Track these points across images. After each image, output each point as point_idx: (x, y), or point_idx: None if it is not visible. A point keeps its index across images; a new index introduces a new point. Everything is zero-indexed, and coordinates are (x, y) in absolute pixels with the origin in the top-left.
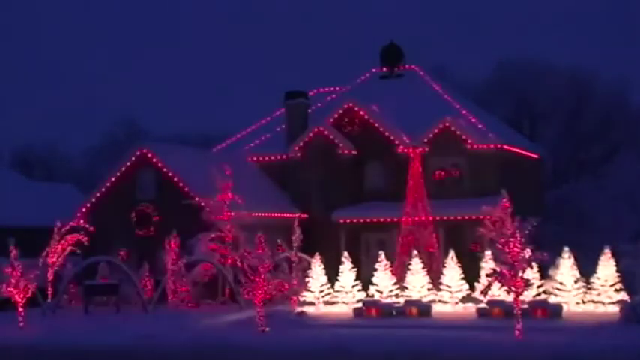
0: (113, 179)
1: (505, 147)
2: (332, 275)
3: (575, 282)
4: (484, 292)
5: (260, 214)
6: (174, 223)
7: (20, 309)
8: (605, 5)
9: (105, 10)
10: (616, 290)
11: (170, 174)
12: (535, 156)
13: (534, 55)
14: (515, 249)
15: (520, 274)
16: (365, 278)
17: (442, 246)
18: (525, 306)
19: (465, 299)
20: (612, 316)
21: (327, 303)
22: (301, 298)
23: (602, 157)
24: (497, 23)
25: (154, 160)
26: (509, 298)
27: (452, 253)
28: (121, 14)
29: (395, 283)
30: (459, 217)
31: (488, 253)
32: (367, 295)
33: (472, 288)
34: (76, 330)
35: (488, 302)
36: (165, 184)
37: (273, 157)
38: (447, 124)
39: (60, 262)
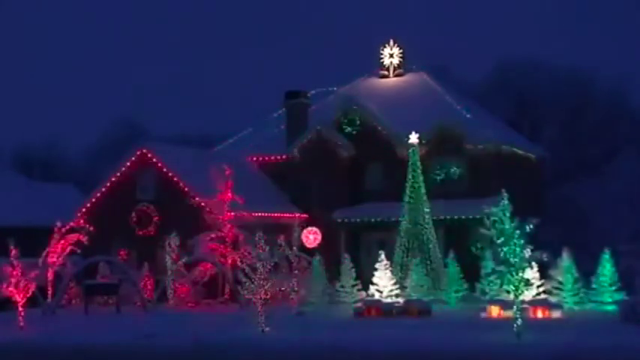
0: (113, 179)
1: (505, 147)
2: (332, 275)
3: (575, 282)
4: (483, 292)
5: (260, 214)
6: (174, 223)
7: (20, 309)
8: (606, 5)
9: (105, 10)
10: (616, 290)
11: (170, 174)
12: (535, 156)
13: (534, 55)
14: (515, 249)
15: (520, 274)
16: (365, 278)
17: (442, 246)
18: (525, 306)
19: (465, 299)
20: (612, 316)
21: (327, 303)
22: (301, 298)
23: (603, 157)
24: (498, 23)
25: (154, 160)
26: (509, 298)
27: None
28: (122, 14)
29: (395, 283)
30: (459, 217)
31: (488, 253)
32: (367, 295)
33: (472, 288)
34: (76, 330)
35: (488, 302)
36: (165, 184)
37: (273, 157)
38: (447, 124)
39: (60, 262)
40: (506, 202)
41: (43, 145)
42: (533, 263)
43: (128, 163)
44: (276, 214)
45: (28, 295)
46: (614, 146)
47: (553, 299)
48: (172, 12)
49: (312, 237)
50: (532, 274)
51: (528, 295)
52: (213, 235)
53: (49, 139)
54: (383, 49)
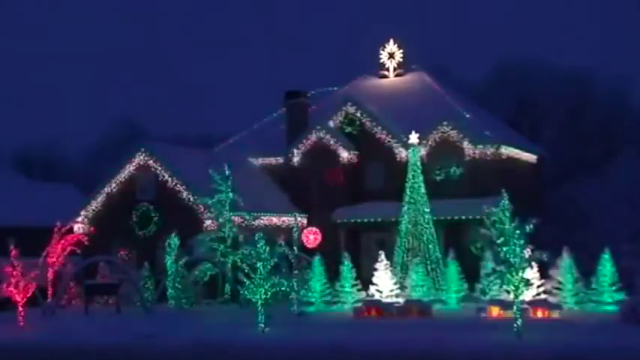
0: (113, 179)
1: (505, 147)
2: (332, 275)
3: (575, 282)
4: (484, 292)
5: (260, 214)
6: (174, 223)
7: (20, 309)
8: (606, 5)
9: (105, 10)
10: (616, 290)
11: (170, 174)
12: (535, 156)
13: (534, 54)
14: (515, 249)
15: (520, 274)
16: (365, 278)
17: (442, 246)
18: (525, 306)
19: (465, 299)
20: (612, 316)
21: (327, 303)
22: (301, 298)
23: (602, 157)
24: (498, 23)
25: (154, 160)
26: (509, 298)
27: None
28: (122, 14)
29: (395, 283)
30: (458, 217)
31: (488, 253)
32: (367, 295)
33: (472, 288)
34: (76, 330)
35: (488, 302)
36: (165, 184)
37: (273, 158)
38: (447, 124)
39: (60, 262)
40: (506, 202)
41: (43, 145)
42: (533, 263)
43: (128, 164)
44: (276, 215)
45: (28, 295)
46: (614, 146)
47: (553, 299)
48: (173, 11)
49: (312, 237)
50: (532, 274)
51: (528, 295)
52: (213, 235)
53: (49, 139)
54: (383, 49)
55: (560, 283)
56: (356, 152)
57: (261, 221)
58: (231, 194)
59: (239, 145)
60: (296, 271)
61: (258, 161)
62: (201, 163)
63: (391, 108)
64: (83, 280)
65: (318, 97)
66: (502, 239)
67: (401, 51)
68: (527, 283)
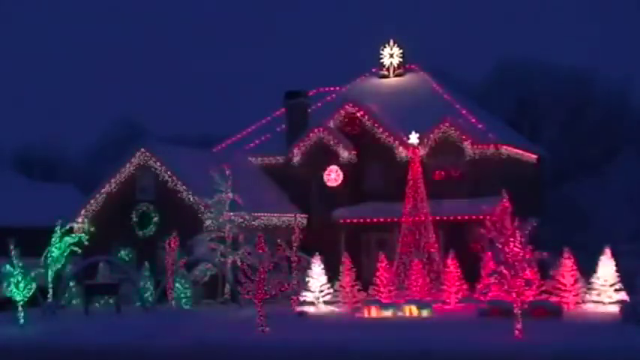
0: (113, 179)
1: (505, 147)
2: (332, 275)
3: (575, 282)
4: (484, 292)
5: (260, 214)
6: (174, 223)
7: (20, 309)
8: (606, 5)
9: (105, 10)
10: (616, 290)
11: (170, 174)
12: (535, 156)
13: (534, 54)
14: (515, 249)
15: (520, 274)
16: (365, 278)
17: (442, 246)
18: (525, 306)
19: (465, 299)
20: (612, 316)
21: (327, 303)
22: (301, 298)
23: (602, 157)
24: (498, 23)
25: (154, 160)
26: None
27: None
28: (122, 14)
29: (395, 283)
30: (459, 217)
31: (488, 253)
32: (367, 295)
33: (472, 288)
34: (76, 330)
35: (488, 302)
36: (165, 184)
37: (273, 158)
38: (447, 124)
39: (60, 262)
40: (506, 202)
41: (43, 145)
42: (534, 263)
43: (128, 163)
44: (276, 214)
45: (28, 295)
46: (614, 146)
47: (553, 299)
48: (172, 11)
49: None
50: (532, 274)
51: (528, 295)
52: (213, 235)
53: (49, 139)
54: (383, 49)
55: (560, 283)
56: (356, 152)
57: (261, 221)
58: (231, 194)
59: (239, 145)
60: (296, 271)
61: (258, 161)
62: (201, 163)
63: (391, 108)
64: (83, 280)
65: (318, 97)
66: (502, 239)
67: (401, 51)
68: (528, 284)
